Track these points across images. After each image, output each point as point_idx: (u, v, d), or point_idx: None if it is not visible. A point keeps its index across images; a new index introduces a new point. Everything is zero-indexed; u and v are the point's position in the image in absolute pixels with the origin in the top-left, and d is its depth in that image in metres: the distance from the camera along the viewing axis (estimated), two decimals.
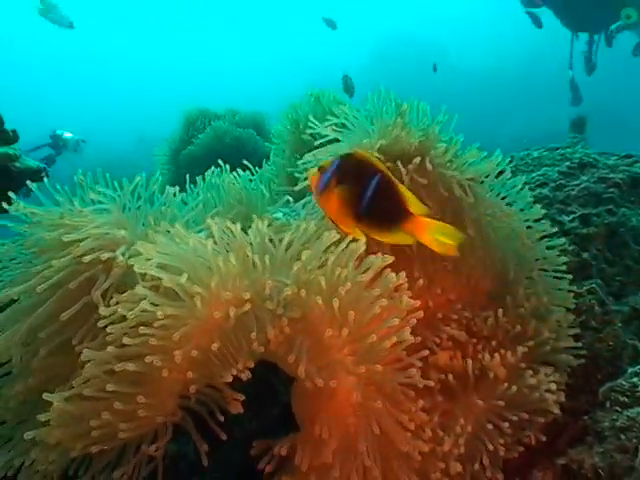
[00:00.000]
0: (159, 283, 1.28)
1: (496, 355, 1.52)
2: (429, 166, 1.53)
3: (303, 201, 1.69)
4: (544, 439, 1.57)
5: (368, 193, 1.27)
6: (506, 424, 1.49)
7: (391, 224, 1.29)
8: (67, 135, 6.25)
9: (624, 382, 1.62)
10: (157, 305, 1.24)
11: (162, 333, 1.23)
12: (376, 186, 1.28)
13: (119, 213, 1.55)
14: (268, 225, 1.48)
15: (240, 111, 4.33)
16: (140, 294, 1.25)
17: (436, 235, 1.29)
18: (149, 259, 1.29)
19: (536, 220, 1.71)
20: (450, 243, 1.28)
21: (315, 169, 1.35)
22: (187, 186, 1.83)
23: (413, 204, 1.28)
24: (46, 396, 1.25)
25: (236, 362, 1.28)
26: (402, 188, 1.29)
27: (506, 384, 1.50)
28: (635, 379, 1.61)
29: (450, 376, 1.53)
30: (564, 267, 1.70)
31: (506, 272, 1.65)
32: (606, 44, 6.21)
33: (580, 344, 1.67)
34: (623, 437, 1.52)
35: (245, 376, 1.28)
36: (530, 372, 1.53)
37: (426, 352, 1.39)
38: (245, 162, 1.98)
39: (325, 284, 1.28)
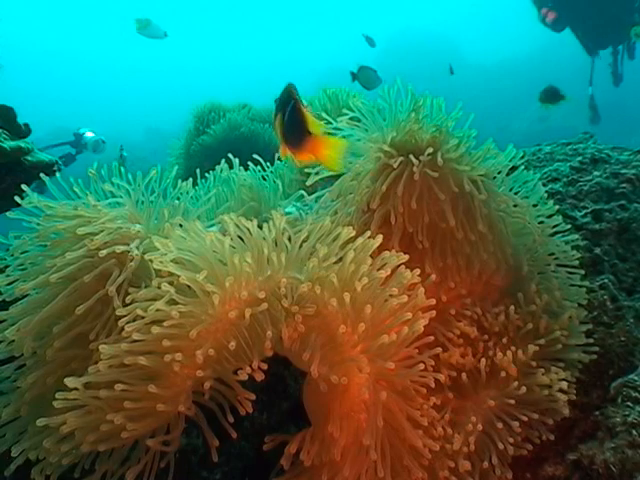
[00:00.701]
0: (174, 278, 1.29)
1: (508, 352, 1.52)
2: (440, 161, 1.53)
3: (316, 195, 1.69)
4: (552, 437, 1.57)
5: (285, 118, 1.43)
6: (516, 423, 1.49)
7: (300, 144, 1.43)
8: (88, 135, 6.08)
9: (636, 377, 1.62)
10: (175, 303, 1.24)
11: (178, 331, 1.23)
12: (290, 112, 1.42)
13: (133, 207, 1.55)
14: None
15: (253, 106, 4.33)
16: (159, 291, 1.25)
17: (329, 151, 1.43)
18: (166, 254, 1.30)
19: (549, 216, 1.71)
20: (334, 155, 1.43)
21: None
22: (199, 179, 1.83)
23: (312, 124, 1.41)
24: (68, 381, 1.25)
25: (250, 361, 1.28)
26: (307, 112, 1.42)
27: (517, 383, 1.50)
28: None
29: (462, 373, 1.53)
30: (576, 262, 1.70)
31: (519, 267, 1.64)
32: (628, 56, 6.22)
33: (592, 340, 1.66)
34: (635, 433, 1.51)
35: (259, 376, 1.28)
36: (542, 370, 1.53)
37: (439, 349, 1.39)
38: (256, 156, 1.98)
39: (340, 281, 1.28)
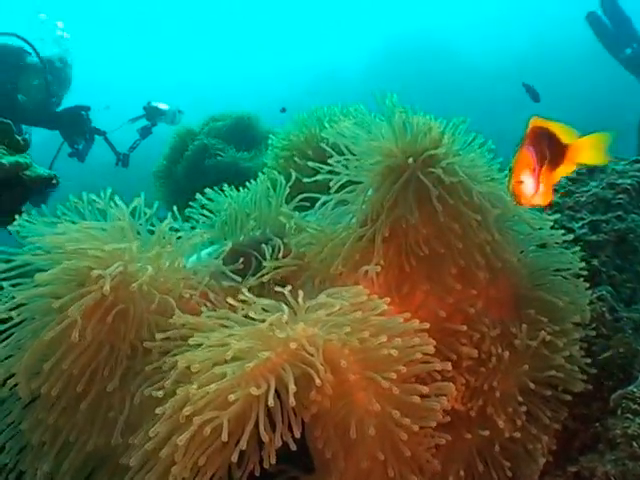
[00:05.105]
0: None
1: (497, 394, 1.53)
2: (446, 171, 1.50)
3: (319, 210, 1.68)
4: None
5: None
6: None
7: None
8: (162, 106, 5.91)
9: (635, 389, 1.63)
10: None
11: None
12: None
13: (120, 232, 1.52)
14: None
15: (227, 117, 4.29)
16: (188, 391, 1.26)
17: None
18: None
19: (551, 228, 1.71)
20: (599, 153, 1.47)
21: None
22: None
23: (564, 135, 1.45)
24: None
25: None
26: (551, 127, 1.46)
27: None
28: None
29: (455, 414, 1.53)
30: (577, 274, 1.69)
31: (521, 281, 1.64)
32: None
33: (589, 360, 1.67)
34: (635, 445, 1.52)
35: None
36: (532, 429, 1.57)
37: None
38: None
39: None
